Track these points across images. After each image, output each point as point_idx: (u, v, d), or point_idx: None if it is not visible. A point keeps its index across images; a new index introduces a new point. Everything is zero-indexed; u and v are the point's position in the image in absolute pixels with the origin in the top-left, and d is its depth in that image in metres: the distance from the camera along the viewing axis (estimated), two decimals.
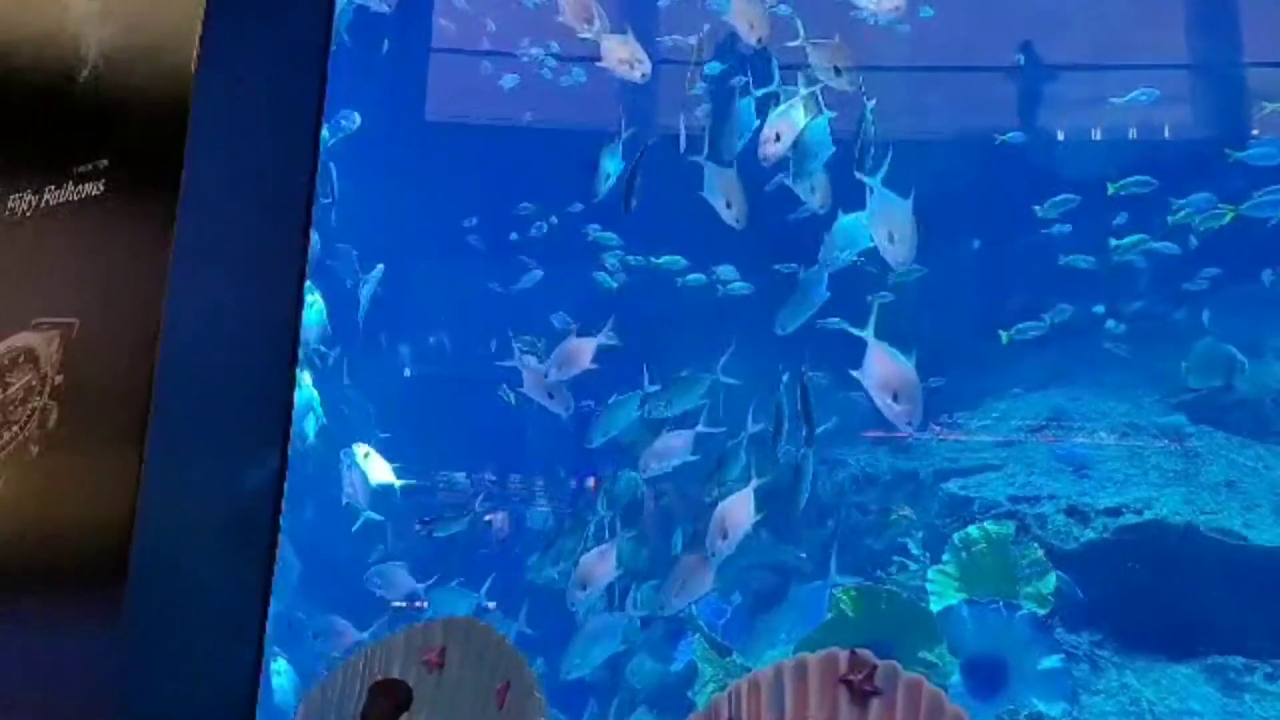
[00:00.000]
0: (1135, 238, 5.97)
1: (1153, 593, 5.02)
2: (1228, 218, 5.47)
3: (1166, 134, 7.15)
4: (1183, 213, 5.62)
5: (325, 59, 2.37)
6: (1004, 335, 5.95)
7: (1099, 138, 7.25)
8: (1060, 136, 7.25)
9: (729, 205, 4.53)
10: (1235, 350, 5.46)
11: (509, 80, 7.03)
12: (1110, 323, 6.44)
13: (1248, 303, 6.25)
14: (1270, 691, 4.67)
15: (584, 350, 4.89)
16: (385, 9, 5.88)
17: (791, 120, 4.41)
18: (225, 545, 1.82)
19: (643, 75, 4.78)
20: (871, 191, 4.19)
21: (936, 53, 6.94)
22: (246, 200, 2.10)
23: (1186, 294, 6.26)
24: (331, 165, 5.36)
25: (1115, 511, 5.30)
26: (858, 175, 4.25)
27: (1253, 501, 5.25)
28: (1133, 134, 7.14)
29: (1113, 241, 6.01)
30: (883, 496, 6.08)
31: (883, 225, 4.13)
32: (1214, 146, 6.05)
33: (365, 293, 5.92)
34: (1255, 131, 6.83)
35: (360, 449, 5.11)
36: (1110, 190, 5.81)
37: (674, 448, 4.90)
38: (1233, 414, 5.94)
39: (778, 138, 4.38)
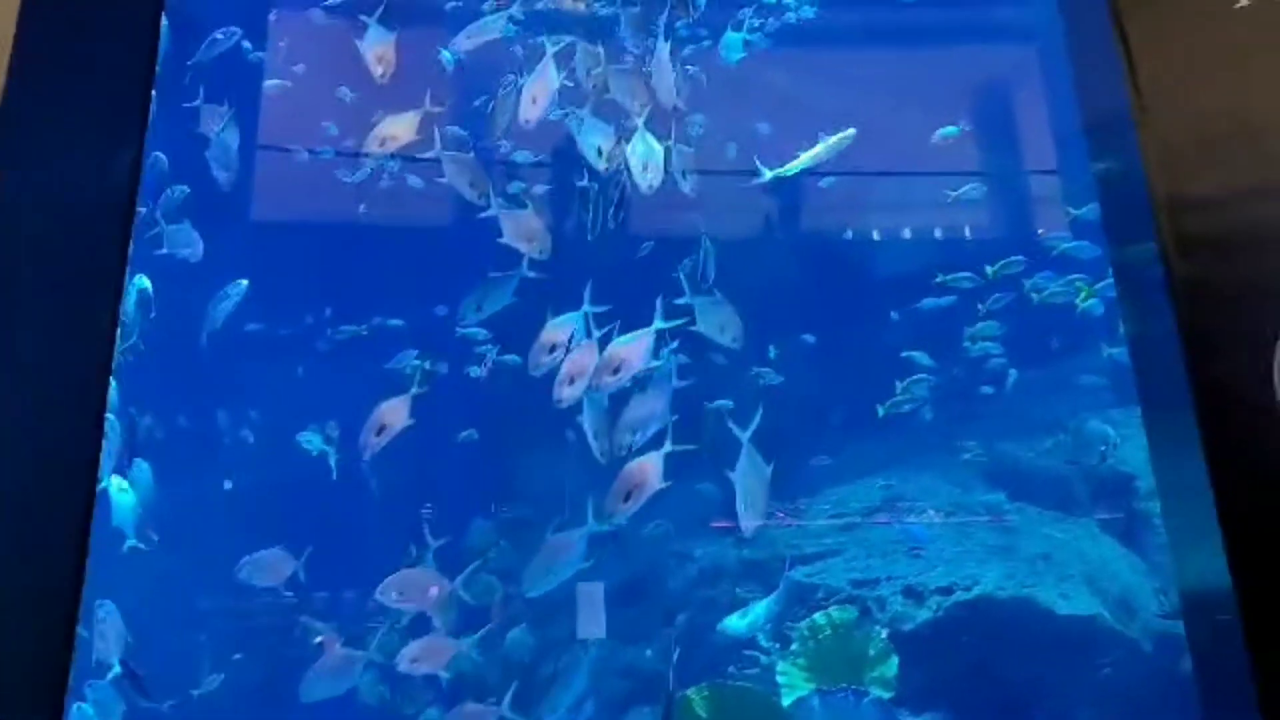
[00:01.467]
0: (988, 325, 6.51)
1: (987, 668, 5.22)
2: (1083, 296, 6.11)
3: (982, 233, 7.82)
4: (1047, 291, 6.22)
5: (140, 146, 2.26)
6: (880, 409, 6.35)
7: (910, 236, 7.85)
8: (876, 236, 7.79)
9: (595, 438, 4.38)
10: (1110, 430, 5.96)
11: (357, 176, 6.91)
12: (926, 410, 6.85)
13: (1054, 386, 6.82)
14: None
15: (279, 564, 4.71)
16: (224, 180, 5.62)
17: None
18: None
19: (541, 251, 4.67)
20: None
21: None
22: (47, 304, 1.98)
23: (998, 378, 6.78)
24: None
25: (947, 590, 5.53)
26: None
27: (1066, 573, 5.61)
28: (946, 232, 7.78)
29: (967, 330, 6.52)
30: (731, 588, 6.11)
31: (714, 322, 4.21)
32: (1031, 242, 6.74)
33: (221, 309, 5.54)
34: (1041, 230, 7.57)
35: (116, 481, 4.67)
36: (990, 273, 6.33)
37: None
38: (1043, 490, 6.39)
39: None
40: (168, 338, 5.45)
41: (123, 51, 2.27)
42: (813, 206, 7.73)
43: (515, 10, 5.34)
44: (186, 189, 5.46)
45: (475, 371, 6.00)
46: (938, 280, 6.50)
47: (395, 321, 6.62)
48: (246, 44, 6.50)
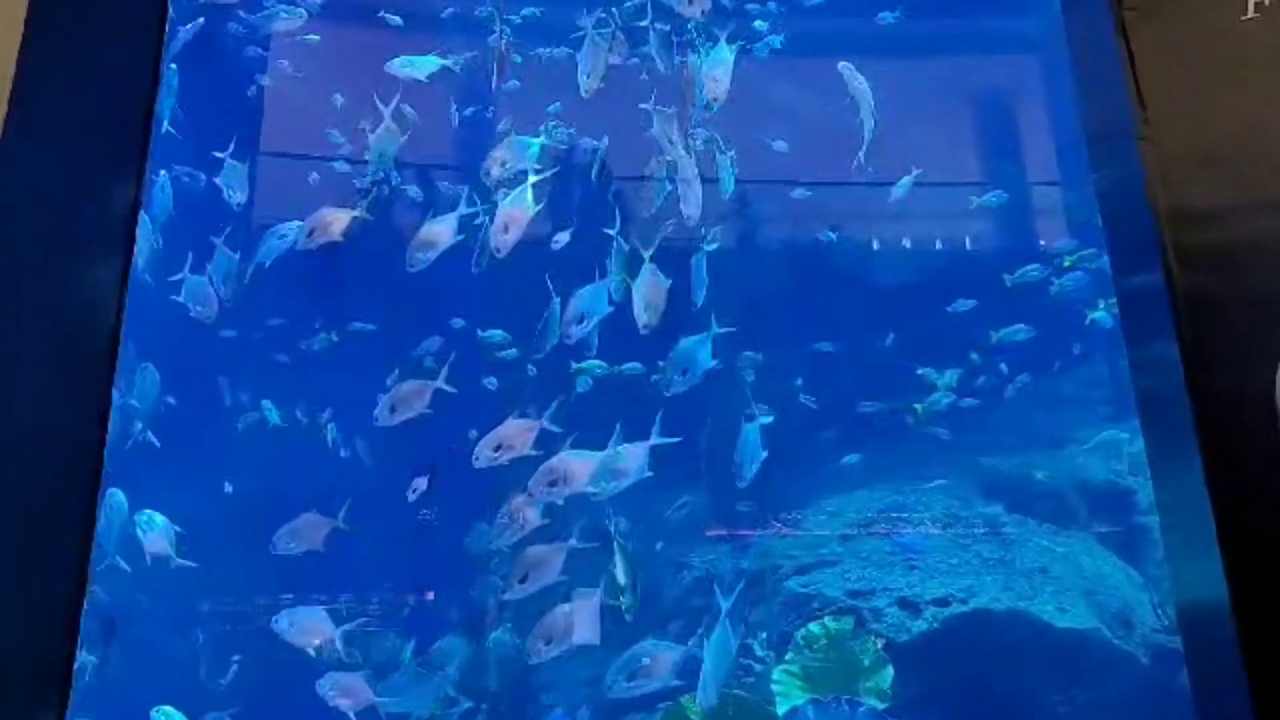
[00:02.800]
0: (1017, 328, 6.42)
1: (983, 680, 5.21)
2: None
3: (988, 242, 7.79)
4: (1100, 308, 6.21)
5: (144, 158, 2.26)
6: (918, 408, 6.42)
7: (909, 246, 7.85)
8: (876, 246, 7.78)
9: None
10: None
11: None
12: (935, 425, 6.82)
13: (1052, 399, 6.81)
14: None
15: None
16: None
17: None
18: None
19: (646, 327, 4.66)
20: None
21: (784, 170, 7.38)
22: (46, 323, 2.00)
23: (997, 390, 6.77)
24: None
25: (943, 601, 5.51)
26: None
27: (1064, 586, 5.59)
28: (947, 244, 7.78)
29: (993, 335, 6.45)
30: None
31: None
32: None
33: (273, 246, 5.42)
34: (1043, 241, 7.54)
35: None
36: (1066, 263, 6.32)
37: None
38: (1041, 503, 6.37)
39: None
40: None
41: (128, 58, 2.27)
42: (818, 218, 7.72)
43: (452, 60, 5.35)
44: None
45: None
46: (1008, 282, 6.36)
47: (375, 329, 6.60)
48: (253, 48, 6.53)
